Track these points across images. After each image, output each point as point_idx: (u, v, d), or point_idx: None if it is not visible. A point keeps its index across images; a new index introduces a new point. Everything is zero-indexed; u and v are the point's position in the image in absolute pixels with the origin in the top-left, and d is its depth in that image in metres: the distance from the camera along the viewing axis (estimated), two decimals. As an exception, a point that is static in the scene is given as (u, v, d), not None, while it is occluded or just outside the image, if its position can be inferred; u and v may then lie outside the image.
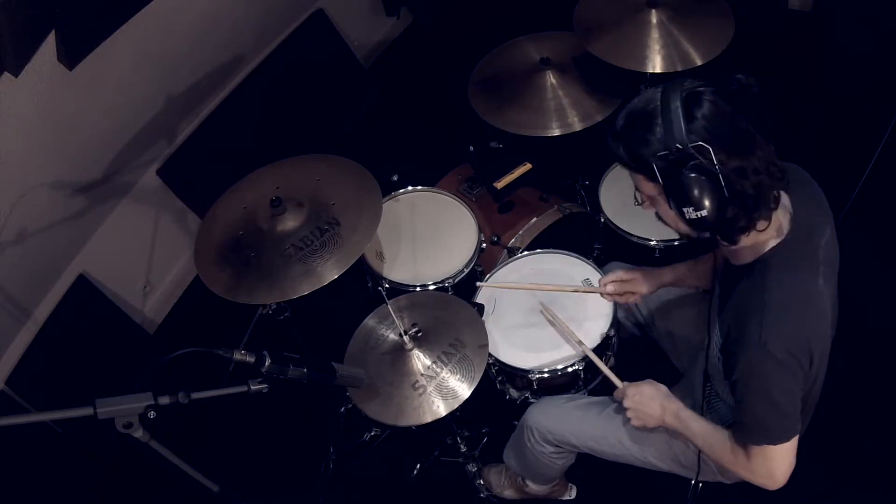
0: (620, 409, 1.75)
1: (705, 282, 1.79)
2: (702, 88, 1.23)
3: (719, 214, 1.25)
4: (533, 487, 2.16)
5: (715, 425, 1.52)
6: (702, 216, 1.25)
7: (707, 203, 1.23)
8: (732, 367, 1.34)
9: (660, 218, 1.40)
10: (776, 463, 1.38)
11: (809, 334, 1.31)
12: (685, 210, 1.25)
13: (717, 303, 1.47)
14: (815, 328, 1.32)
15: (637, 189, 1.37)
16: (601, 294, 1.89)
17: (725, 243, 1.34)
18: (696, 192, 1.22)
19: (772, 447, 1.36)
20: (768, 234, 1.32)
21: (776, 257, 1.33)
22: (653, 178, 1.28)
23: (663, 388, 1.62)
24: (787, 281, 1.30)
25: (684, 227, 1.32)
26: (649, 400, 1.60)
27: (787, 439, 1.36)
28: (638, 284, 1.83)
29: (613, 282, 1.85)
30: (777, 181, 1.28)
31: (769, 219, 1.29)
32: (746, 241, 1.33)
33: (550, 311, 1.97)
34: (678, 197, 1.25)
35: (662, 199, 1.31)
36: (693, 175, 1.21)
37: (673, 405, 1.58)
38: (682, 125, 1.21)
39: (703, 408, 1.65)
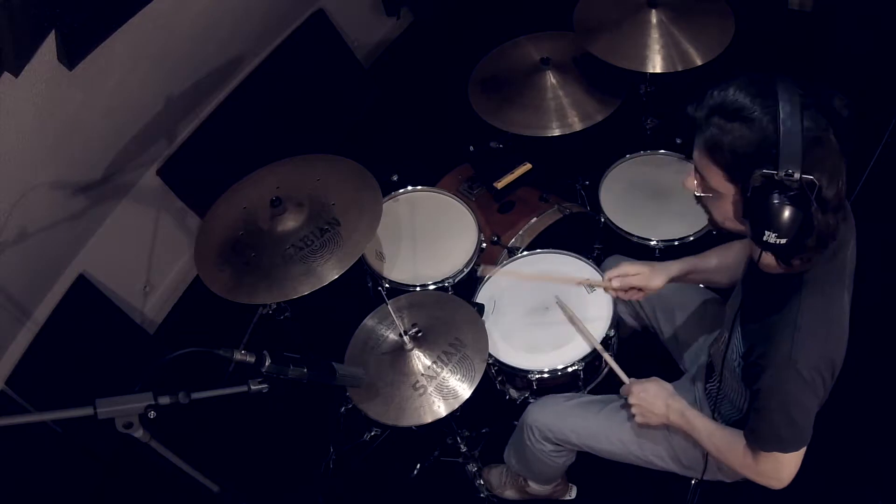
0: (621, 408, 1.75)
1: (717, 277, 1.77)
2: (814, 106, 1.15)
3: (796, 246, 1.18)
4: (535, 488, 2.16)
5: (720, 425, 1.52)
6: (779, 243, 1.17)
7: (791, 234, 1.15)
8: (756, 376, 1.33)
9: (699, 201, 1.33)
10: (784, 467, 1.40)
11: (835, 354, 1.32)
12: (765, 232, 1.16)
13: (740, 306, 1.44)
14: (839, 348, 1.34)
15: (700, 175, 1.28)
16: (605, 289, 1.83)
17: (783, 265, 1.29)
18: (785, 221, 1.14)
19: (782, 454, 1.38)
20: None
21: (811, 273, 1.30)
22: (735, 181, 1.20)
23: (669, 386, 1.62)
24: (820, 299, 1.29)
25: (734, 227, 1.26)
26: (654, 398, 1.60)
27: (798, 448, 1.37)
28: (645, 279, 1.75)
29: (619, 276, 1.78)
30: (841, 213, 1.23)
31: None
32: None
33: (567, 308, 1.97)
34: (762, 217, 1.16)
35: (731, 202, 1.24)
36: (789, 205, 1.13)
37: (677, 404, 1.58)
38: (800, 152, 1.11)
39: (707, 407, 1.65)
